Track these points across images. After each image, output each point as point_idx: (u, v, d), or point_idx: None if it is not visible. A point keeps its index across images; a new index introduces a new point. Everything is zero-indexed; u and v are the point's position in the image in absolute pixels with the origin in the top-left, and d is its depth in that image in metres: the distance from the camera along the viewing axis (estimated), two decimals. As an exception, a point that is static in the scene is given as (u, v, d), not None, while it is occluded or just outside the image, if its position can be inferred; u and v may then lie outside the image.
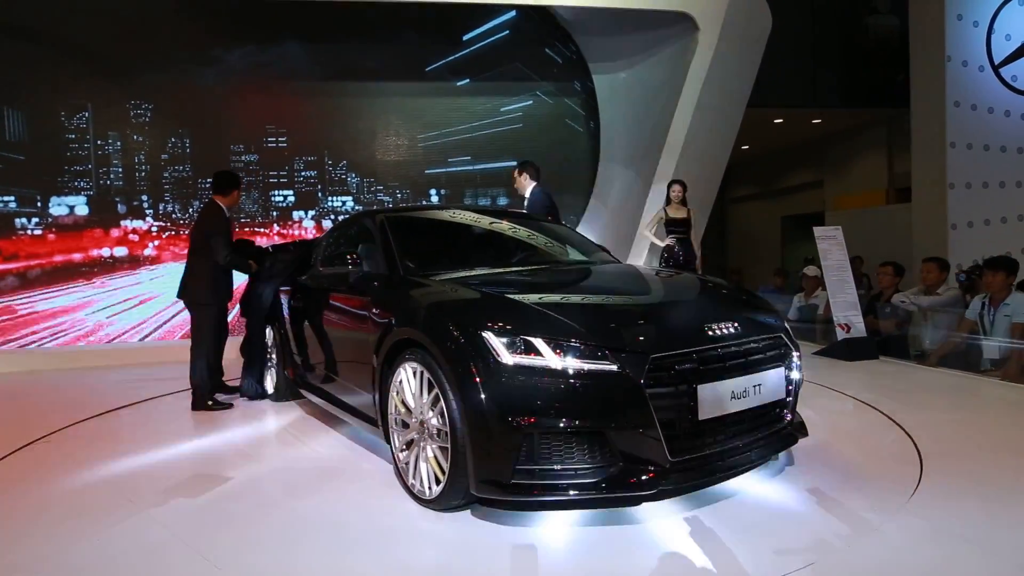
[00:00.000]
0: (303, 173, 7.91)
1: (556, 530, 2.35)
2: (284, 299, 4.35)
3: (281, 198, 7.85)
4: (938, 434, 3.35)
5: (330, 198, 8.00)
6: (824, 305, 6.49)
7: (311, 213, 7.94)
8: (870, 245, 9.54)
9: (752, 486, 2.68)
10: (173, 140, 7.54)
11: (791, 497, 2.59)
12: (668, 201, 6.80)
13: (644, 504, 2.49)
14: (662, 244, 6.78)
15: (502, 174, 8.40)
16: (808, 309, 7.17)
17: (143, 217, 7.42)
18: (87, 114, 7.24)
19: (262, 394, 4.58)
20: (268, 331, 4.59)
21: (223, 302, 4.49)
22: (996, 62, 9.00)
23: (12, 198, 7.03)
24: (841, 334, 5.68)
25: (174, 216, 7.53)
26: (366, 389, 3.03)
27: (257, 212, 7.78)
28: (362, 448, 3.39)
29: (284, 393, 4.43)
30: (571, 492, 2.26)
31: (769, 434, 2.61)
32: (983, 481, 2.74)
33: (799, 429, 2.79)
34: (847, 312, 5.76)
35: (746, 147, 12.98)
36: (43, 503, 2.79)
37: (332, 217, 7.95)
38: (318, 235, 6.94)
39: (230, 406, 4.40)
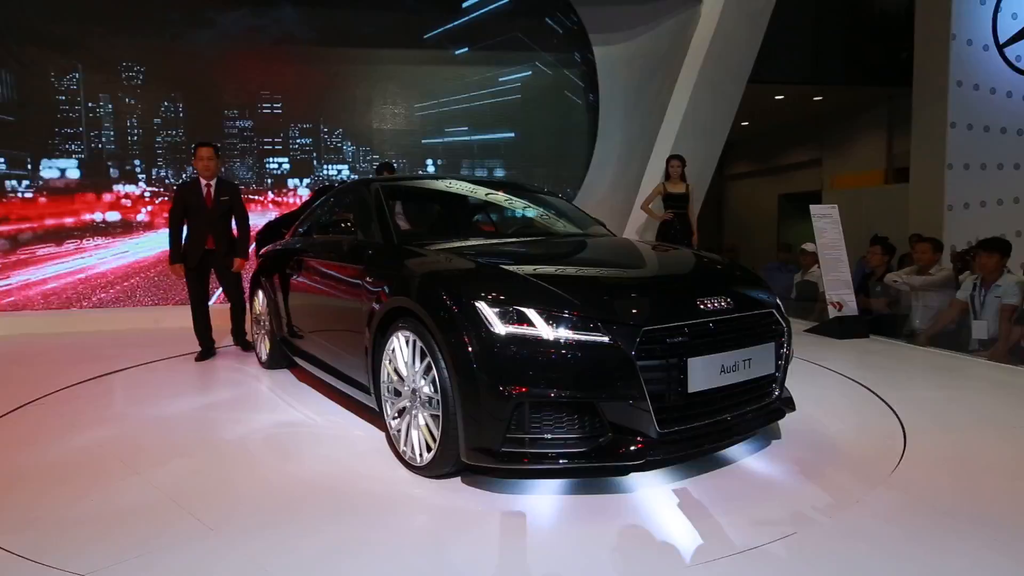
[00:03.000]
0: (298, 140, 7.82)
1: (545, 498, 2.39)
2: (277, 266, 4.33)
3: (276, 165, 7.77)
4: (923, 411, 3.40)
5: (325, 166, 7.92)
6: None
7: (306, 181, 7.87)
8: (867, 225, 9.54)
9: (738, 458, 2.72)
10: (166, 104, 7.43)
11: (776, 470, 2.63)
12: (667, 176, 6.78)
13: (632, 474, 2.53)
14: (659, 218, 6.78)
15: (500, 145, 8.34)
16: (805, 285, 7.18)
17: (135, 181, 7.35)
18: (77, 75, 7.11)
19: None
20: (261, 297, 4.59)
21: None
22: (1001, 41, 8.89)
23: (2, 159, 6.95)
24: (833, 312, 5.72)
25: (168, 181, 7.46)
26: (359, 357, 3.04)
27: (251, 179, 7.71)
28: (354, 415, 3.42)
29: (278, 360, 4.44)
30: (560, 461, 2.29)
31: (757, 408, 2.63)
32: (964, 456, 2.79)
33: (787, 404, 2.82)
34: (840, 290, 5.78)
35: (746, 123, 12.89)
36: (36, 464, 2.81)
37: (328, 185, 7.88)
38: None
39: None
